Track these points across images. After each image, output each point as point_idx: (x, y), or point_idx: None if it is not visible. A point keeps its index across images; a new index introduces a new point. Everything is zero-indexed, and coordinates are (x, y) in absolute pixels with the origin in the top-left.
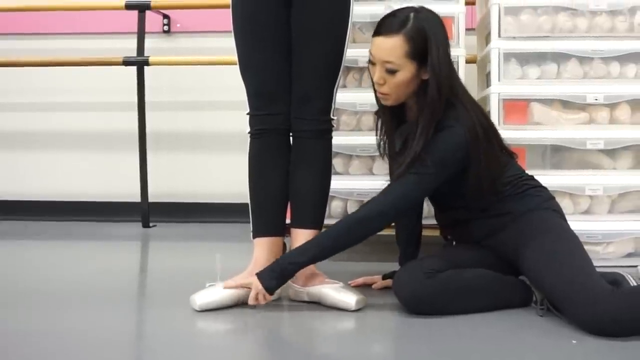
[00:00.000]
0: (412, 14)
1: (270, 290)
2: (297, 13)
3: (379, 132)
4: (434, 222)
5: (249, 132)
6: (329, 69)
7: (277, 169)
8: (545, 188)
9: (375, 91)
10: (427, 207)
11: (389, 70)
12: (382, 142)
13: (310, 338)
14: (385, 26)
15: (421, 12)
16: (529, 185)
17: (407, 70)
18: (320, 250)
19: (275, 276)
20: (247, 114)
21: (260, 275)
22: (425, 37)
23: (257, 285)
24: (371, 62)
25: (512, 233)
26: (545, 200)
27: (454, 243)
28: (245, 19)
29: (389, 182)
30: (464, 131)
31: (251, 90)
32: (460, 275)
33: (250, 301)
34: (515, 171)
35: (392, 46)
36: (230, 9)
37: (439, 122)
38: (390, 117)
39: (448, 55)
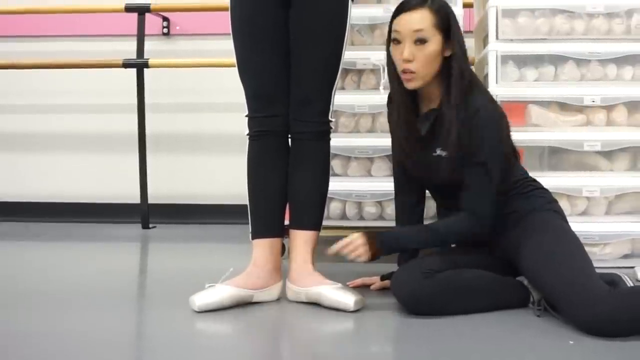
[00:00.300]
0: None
1: (384, 249)
2: (295, 15)
3: (394, 119)
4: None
5: (247, 134)
6: (328, 71)
7: (276, 170)
8: (547, 190)
9: (391, 85)
10: (427, 209)
11: (419, 40)
12: (400, 128)
13: (309, 339)
14: (408, 3)
15: None
16: (533, 186)
17: (435, 42)
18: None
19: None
20: (246, 116)
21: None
22: (447, 12)
23: (363, 241)
24: (396, 42)
25: (515, 232)
26: (548, 202)
27: (452, 246)
28: (244, 21)
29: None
30: (495, 107)
31: (250, 92)
32: (458, 275)
33: (345, 249)
34: (521, 171)
35: (421, 17)
36: (229, 12)
37: (467, 101)
38: (410, 101)
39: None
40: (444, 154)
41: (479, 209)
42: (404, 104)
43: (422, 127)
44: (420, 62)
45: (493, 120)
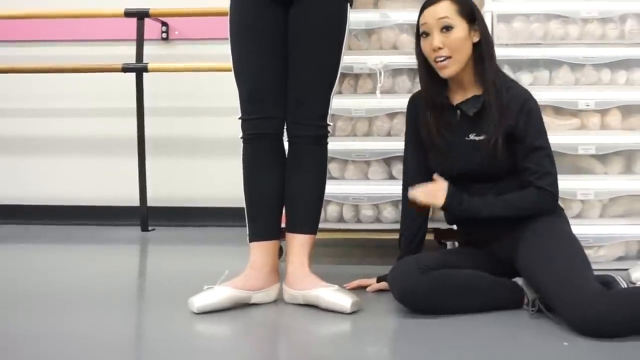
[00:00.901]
0: None
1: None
2: (294, 19)
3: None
4: (434, 226)
5: (241, 137)
6: (327, 74)
7: (271, 173)
8: None
9: (421, 76)
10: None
11: (445, 27)
12: (434, 120)
13: (307, 340)
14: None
15: None
16: None
17: (461, 28)
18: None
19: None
20: (239, 118)
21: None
22: (469, 2)
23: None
24: (424, 35)
25: (516, 232)
26: (556, 204)
27: (448, 247)
28: (244, 24)
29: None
30: (526, 90)
31: (244, 94)
32: (453, 273)
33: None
34: None
35: (445, 6)
36: (229, 15)
37: (509, 88)
38: (440, 88)
39: None
40: (478, 138)
41: (551, 186)
42: (438, 96)
43: (468, 111)
44: (451, 47)
45: (539, 109)
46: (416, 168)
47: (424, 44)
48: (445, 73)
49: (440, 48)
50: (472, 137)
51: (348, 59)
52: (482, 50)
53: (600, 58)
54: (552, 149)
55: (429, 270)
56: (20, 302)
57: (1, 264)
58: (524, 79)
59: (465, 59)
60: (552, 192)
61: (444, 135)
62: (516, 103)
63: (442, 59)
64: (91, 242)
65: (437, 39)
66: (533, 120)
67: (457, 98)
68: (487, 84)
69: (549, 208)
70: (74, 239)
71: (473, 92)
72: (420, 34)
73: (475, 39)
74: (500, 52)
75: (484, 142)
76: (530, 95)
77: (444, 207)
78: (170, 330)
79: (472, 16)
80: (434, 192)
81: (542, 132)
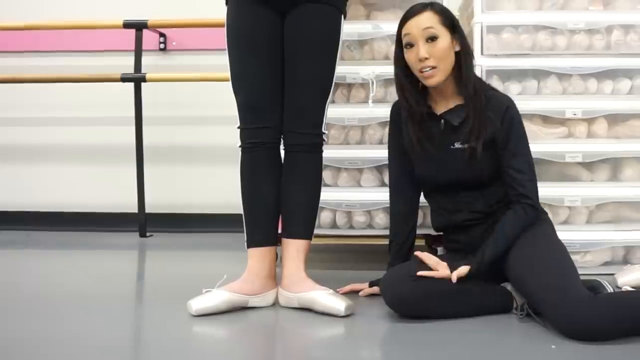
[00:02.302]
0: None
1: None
2: (290, 29)
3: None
4: (424, 232)
5: (239, 146)
6: (322, 83)
7: (268, 181)
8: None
9: (401, 86)
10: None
11: (430, 37)
12: (417, 130)
13: (302, 342)
14: (413, 10)
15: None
16: None
17: (445, 37)
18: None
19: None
20: (238, 127)
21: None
22: (449, 12)
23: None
24: (408, 47)
25: None
26: (539, 212)
27: (438, 252)
28: (242, 35)
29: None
30: (507, 97)
31: (243, 104)
32: (443, 280)
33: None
34: None
35: (428, 17)
36: (225, 26)
37: (490, 96)
38: (422, 98)
39: None
40: (463, 146)
41: (532, 193)
42: (421, 106)
43: (453, 121)
44: (437, 57)
45: (520, 116)
46: (400, 172)
47: (409, 54)
48: (430, 82)
49: (426, 58)
50: (457, 145)
51: (341, 69)
52: (463, 59)
53: (587, 68)
54: (541, 157)
55: (420, 278)
56: (22, 306)
57: (4, 268)
58: (513, 89)
59: (450, 68)
60: (533, 200)
61: (424, 145)
62: (497, 111)
63: (428, 69)
64: (91, 247)
65: (423, 49)
66: (514, 127)
67: (440, 108)
68: (469, 92)
69: (533, 219)
70: (75, 245)
71: (455, 101)
72: (404, 45)
73: (457, 49)
74: (489, 63)
75: (468, 150)
76: (512, 102)
77: (473, 274)
78: (169, 332)
79: (453, 26)
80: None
81: (523, 139)
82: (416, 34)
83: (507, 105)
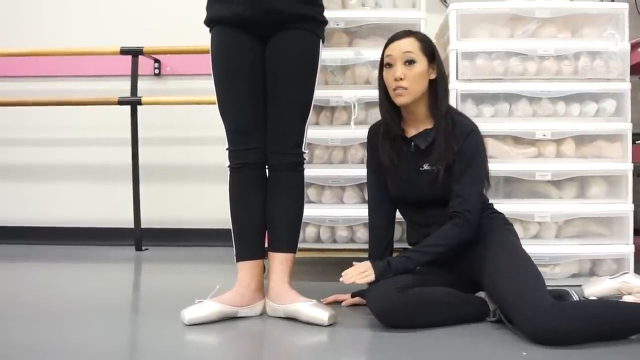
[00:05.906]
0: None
1: (381, 277)
2: (271, 55)
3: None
4: (402, 245)
5: (228, 166)
6: (301, 106)
7: (255, 199)
8: (502, 214)
9: (382, 104)
10: (399, 229)
11: (408, 61)
12: (391, 150)
13: (288, 350)
14: (398, 35)
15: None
16: (492, 210)
17: (422, 63)
18: (421, 260)
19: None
20: (227, 149)
21: (375, 266)
22: (430, 43)
23: (367, 268)
24: (388, 67)
25: (477, 249)
26: (504, 222)
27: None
28: (225, 63)
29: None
30: (472, 123)
31: (231, 128)
32: (426, 291)
33: (350, 275)
34: (484, 197)
35: (410, 42)
36: (210, 54)
37: (458, 122)
38: (398, 119)
39: None
40: (431, 168)
41: (469, 211)
42: (395, 127)
43: (420, 144)
44: (410, 80)
45: (482, 142)
46: (377, 189)
47: (387, 73)
48: (399, 101)
49: (401, 79)
50: (425, 167)
51: (325, 93)
52: (438, 87)
53: (556, 92)
54: (512, 175)
55: (405, 290)
56: (23, 315)
57: (6, 280)
58: (486, 111)
59: (420, 92)
60: (468, 218)
61: (395, 165)
62: (461, 134)
63: (400, 89)
64: (89, 260)
65: (399, 70)
66: (474, 150)
67: (411, 131)
68: (439, 117)
69: (466, 236)
70: (73, 258)
71: (425, 125)
72: (384, 64)
73: (432, 76)
74: (464, 87)
75: (435, 172)
76: (476, 128)
77: (377, 279)
78: (163, 340)
79: (432, 55)
80: (363, 272)
81: (479, 163)
82: (396, 56)
83: (470, 130)
